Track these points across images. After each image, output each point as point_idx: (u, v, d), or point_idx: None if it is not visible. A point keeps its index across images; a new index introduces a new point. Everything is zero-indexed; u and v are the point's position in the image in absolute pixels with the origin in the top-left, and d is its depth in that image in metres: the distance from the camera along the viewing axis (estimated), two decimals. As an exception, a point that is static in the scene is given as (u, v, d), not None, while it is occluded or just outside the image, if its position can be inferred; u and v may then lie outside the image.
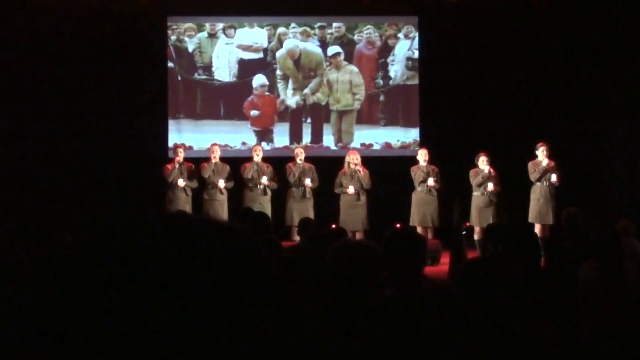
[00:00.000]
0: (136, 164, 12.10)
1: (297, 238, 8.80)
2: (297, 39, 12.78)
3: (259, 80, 12.74)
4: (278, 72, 12.73)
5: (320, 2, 12.42)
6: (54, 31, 12.09)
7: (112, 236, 0.79)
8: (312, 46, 12.80)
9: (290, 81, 12.74)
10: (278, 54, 12.73)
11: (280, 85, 12.75)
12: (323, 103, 12.76)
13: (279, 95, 12.74)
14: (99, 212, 11.15)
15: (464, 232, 9.30)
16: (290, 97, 12.74)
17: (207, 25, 12.76)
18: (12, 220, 11.07)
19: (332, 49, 12.78)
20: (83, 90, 12.18)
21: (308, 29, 12.78)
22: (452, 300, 2.67)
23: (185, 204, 11.08)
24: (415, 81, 12.79)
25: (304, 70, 12.76)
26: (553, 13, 12.26)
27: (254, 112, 12.66)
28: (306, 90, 12.71)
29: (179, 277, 0.75)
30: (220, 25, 12.78)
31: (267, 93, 12.74)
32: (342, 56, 12.79)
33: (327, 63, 12.77)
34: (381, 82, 12.86)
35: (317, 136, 12.76)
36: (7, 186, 11.77)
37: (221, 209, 11.23)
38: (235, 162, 11.51)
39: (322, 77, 12.75)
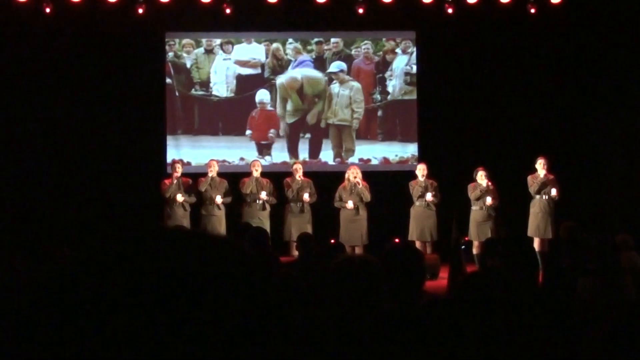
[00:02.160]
0: (134, 179, 12.10)
1: (295, 253, 8.78)
2: (291, 54, 12.77)
3: (261, 96, 12.75)
4: (278, 97, 12.73)
5: (318, 17, 12.44)
6: (51, 47, 12.11)
7: (111, 252, 0.80)
8: (313, 72, 12.77)
9: (292, 104, 12.75)
10: (277, 81, 12.73)
11: (280, 105, 12.75)
12: (322, 121, 12.77)
13: (278, 113, 12.74)
14: (97, 226, 11.13)
15: (462, 247, 9.31)
16: (289, 117, 12.75)
17: (204, 41, 12.78)
18: (10, 234, 11.04)
19: (337, 65, 12.78)
20: (82, 105, 12.20)
21: (299, 46, 12.76)
22: (451, 315, 2.67)
23: (183, 219, 11.06)
24: (413, 96, 12.80)
25: (307, 97, 12.77)
26: (551, 27, 12.29)
27: (248, 132, 12.68)
28: (309, 116, 12.73)
29: (177, 293, 0.75)
30: (218, 41, 12.79)
31: (269, 108, 12.75)
32: (345, 73, 12.81)
33: (329, 79, 12.79)
34: (379, 97, 12.87)
35: (315, 151, 12.76)
36: (5, 199, 11.75)
37: (219, 224, 11.21)
38: (234, 178, 11.51)
39: (326, 99, 12.77)
